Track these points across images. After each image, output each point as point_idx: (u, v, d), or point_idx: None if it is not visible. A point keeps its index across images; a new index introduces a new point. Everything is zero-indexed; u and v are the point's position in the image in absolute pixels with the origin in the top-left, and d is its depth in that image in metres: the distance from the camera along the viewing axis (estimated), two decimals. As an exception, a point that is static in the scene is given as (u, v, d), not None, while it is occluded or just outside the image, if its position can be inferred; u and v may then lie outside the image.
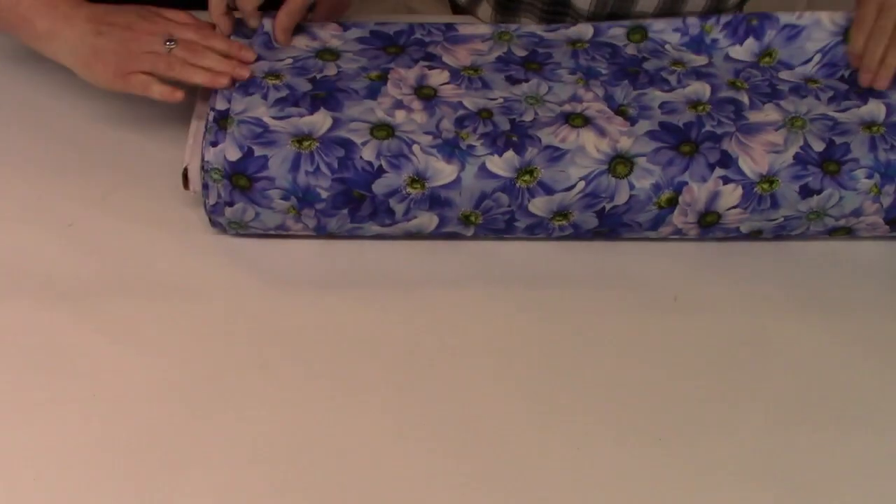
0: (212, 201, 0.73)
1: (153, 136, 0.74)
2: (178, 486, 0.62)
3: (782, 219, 0.76)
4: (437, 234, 0.77)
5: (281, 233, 0.77)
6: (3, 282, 0.73)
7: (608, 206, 0.74)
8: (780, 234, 0.79)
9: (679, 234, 0.79)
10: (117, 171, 0.77)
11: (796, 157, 0.77)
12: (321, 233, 0.75)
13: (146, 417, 0.66)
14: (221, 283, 0.74)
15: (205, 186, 0.73)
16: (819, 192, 0.75)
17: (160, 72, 0.75)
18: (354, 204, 0.72)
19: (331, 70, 0.80)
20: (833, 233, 0.80)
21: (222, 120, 0.74)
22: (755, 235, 0.79)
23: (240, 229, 0.73)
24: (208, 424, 0.65)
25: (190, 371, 0.68)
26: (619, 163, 0.75)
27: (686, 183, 0.74)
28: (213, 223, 0.76)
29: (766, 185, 0.75)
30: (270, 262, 0.76)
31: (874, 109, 0.81)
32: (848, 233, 0.80)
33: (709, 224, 0.76)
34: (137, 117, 0.74)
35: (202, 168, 0.73)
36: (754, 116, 0.79)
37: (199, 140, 0.75)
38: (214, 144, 0.73)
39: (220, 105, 0.75)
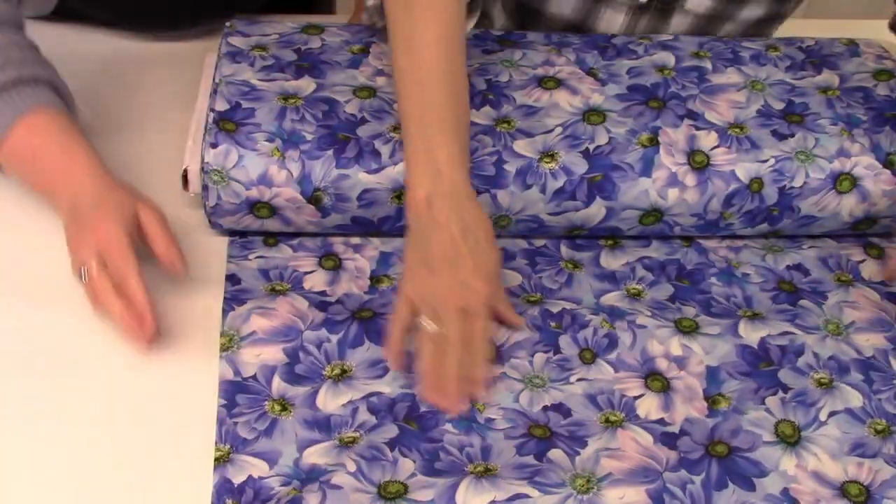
0: (211, 203, 0.74)
1: (152, 138, 0.74)
2: (179, 486, 0.61)
3: (773, 160, 0.77)
4: None
5: (266, 225, 0.76)
6: (3, 282, 0.73)
7: (591, 147, 0.76)
8: (795, 215, 0.78)
9: (679, 212, 0.77)
10: (116, 173, 0.77)
11: (758, 112, 0.81)
12: (305, 189, 0.74)
13: (146, 417, 0.65)
14: (221, 285, 0.73)
15: (204, 188, 0.74)
16: (792, 135, 0.79)
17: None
18: (340, 145, 0.74)
19: (315, 43, 0.84)
20: (856, 225, 0.80)
21: (222, 121, 0.75)
22: (774, 222, 0.79)
23: (220, 183, 0.73)
24: (209, 422, 0.64)
25: (191, 370, 0.68)
26: (593, 114, 0.79)
27: (660, 127, 0.78)
28: (213, 224, 0.76)
29: (737, 130, 0.79)
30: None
31: (828, 78, 0.86)
32: (870, 224, 0.80)
33: (702, 165, 0.76)
34: (136, 119, 0.73)
35: (202, 170, 0.73)
36: (717, 79, 0.84)
37: (198, 141, 0.76)
38: (214, 146, 0.73)
39: (220, 106, 0.76)
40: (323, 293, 0.73)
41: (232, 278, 0.74)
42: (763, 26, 0.97)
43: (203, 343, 0.70)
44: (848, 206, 0.78)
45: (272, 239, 0.78)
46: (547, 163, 0.75)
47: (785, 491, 0.63)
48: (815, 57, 0.88)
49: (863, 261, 0.81)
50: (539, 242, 0.80)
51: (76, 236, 0.70)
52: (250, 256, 0.76)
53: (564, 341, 0.71)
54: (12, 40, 0.75)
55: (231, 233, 0.78)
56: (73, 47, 0.93)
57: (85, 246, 0.68)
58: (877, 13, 1.06)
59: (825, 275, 0.79)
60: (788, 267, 0.80)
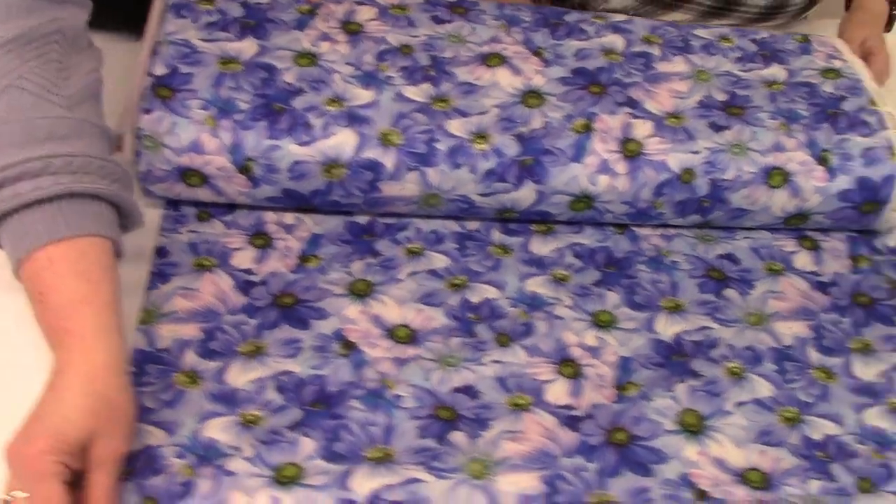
0: (143, 168, 0.73)
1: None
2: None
3: (707, 151, 0.77)
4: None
5: (194, 193, 0.76)
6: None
7: (525, 130, 0.76)
8: (726, 208, 0.79)
9: (611, 202, 0.77)
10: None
11: (699, 103, 0.81)
12: (236, 158, 0.73)
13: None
14: (150, 259, 0.73)
15: (137, 153, 0.73)
16: (728, 127, 0.79)
17: None
18: (273, 116, 0.74)
19: None
20: (788, 220, 0.81)
21: (158, 87, 0.74)
22: (706, 213, 0.79)
23: (153, 149, 0.72)
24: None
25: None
26: (531, 96, 0.79)
27: (596, 114, 0.78)
28: (146, 192, 0.76)
29: (674, 120, 0.79)
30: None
31: (776, 72, 0.86)
32: (803, 219, 0.80)
33: (634, 153, 0.76)
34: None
35: (135, 135, 0.73)
36: (663, 67, 0.84)
37: (133, 107, 0.74)
38: (148, 112, 0.73)
39: (159, 70, 0.75)
40: (249, 271, 0.74)
41: (161, 251, 0.74)
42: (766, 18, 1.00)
43: (125, 314, 0.70)
44: (779, 200, 0.79)
45: (205, 213, 0.78)
46: (479, 143, 0.75)
47: (684, 476, 0.65)
48: (767, 49, 0.88)
49: (795, 252, 0.82)
50: (472, 226, 0.80)
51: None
52: (182, 230, 0.76)
53: (481, 328, 0.72)
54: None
55: (166, 206, 0.78)
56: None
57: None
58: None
59: (756, 264, 0.80)
60: (719, 256, 0.80)
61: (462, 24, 0.84)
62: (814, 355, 0.73)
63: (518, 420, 0.67)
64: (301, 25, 0.81)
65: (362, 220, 0.79)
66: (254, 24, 0.80)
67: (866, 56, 0.94)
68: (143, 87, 0.75)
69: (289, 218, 0.78)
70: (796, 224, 0.82)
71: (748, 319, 0.75)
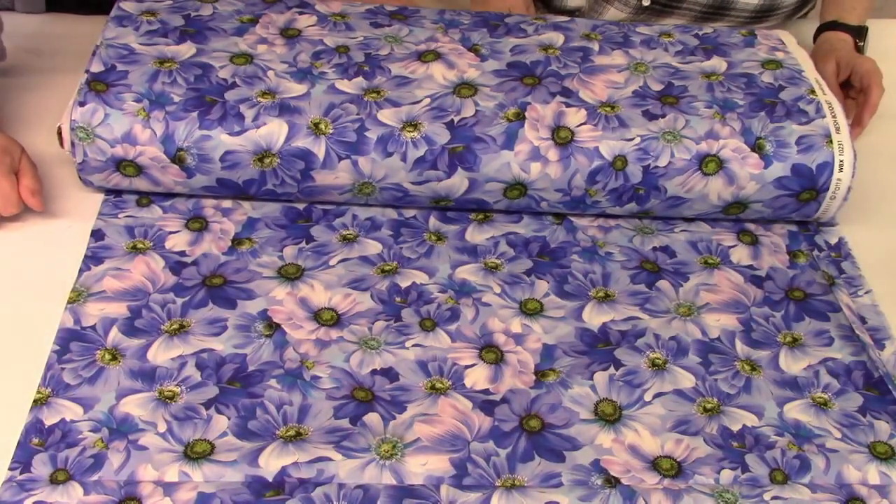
0: (79, 159, 0.75)
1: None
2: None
3: (639, 139, 0.77)
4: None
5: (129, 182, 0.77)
6: None
7: (456, 119, 0.76)
8: (662, 196, 0.78)
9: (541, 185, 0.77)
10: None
11: (634, 93, 0.81)
12: (168, 148, 0.74)
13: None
14: (86, 243, 0.75)
15: (72, 144, 0.75)
16: (663, 116, 0.79)
17: None
18: (205, 107, 0.75)
19: (206, 10, 0.85)
20: (727, 208, 0.80)
21: (94, 82, 0.76)
22: (642, 202, 0.79)
23: (86, 140, 0.74)
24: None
25: (37, 318, 0.69)
26: (464, 87, 0.79)
27: (529, 103, 0.78)
28: (84, 182, 0.78)
29: (608, 109, 0.79)
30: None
31: (716, 64, 0.86)
32: (742, 208, 0.80)
33: (565, 141, 0.76)
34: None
35: (70, 127, 0.74)
36: (600, 60, 0.84)
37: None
38: (82, 104, 0.74)
39: (95, 68, 0.77)
40: (182, 253, 0.74)
41: (96, 234, 0.75)
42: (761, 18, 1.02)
43: (58, 295, 0.71)
44: (715, 188, 0.78)
45: (145, 199, 0.79)
46: (409, 132, 0.76)
47: (595, 462, 0.63)
48: (710, 44, 0.89)
49: (734, 246, 0.81)
50: (409, 213, 0.80)
51: None
52: (120, 215, 0.77)
53: (407, 312, 0.72)
54: None
55: (107, 192, 0.79)
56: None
57: None
58: (877, 13, 1.06)
59: (692, 257, 0.79)
60: (655, 248, 0.80)
61: (400, 27, 0.86)
62: (741, 348, 0.72)
63: (434, 403, 0.66)
64: (240, 32, 0.83)
65: (300, 205, 0.79)
66: (193, 31, 0.82)
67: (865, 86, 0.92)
68: (80, 83, 0.76)
69: (227, 202, 0.79)
70: (736, 213, 0.81)
71: (678, 311, 0.75)
